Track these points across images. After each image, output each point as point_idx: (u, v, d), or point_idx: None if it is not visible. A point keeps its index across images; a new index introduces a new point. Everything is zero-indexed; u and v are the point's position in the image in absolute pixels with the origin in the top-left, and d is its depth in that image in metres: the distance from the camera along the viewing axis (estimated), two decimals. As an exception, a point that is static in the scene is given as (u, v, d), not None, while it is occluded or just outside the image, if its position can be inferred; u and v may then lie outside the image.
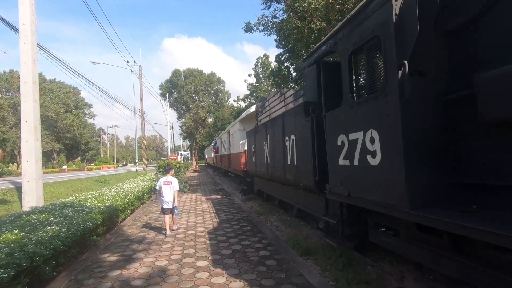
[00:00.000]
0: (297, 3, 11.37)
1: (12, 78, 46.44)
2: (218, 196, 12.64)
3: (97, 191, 9.43)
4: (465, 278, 2.44)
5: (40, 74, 53.64)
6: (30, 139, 8.36)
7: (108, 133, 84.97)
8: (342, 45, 3.55)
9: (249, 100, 46.77)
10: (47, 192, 10.58)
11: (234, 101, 54.34)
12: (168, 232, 6.40)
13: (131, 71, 26.60)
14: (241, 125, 13.76)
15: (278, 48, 19.72)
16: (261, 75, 45.51)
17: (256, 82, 46.31)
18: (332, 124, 3.84)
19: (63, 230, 4.58)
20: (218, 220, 7.79)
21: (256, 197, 11.14)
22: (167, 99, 53.60)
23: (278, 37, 18.28)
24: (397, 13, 2.55)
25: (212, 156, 31.79)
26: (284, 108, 7.05)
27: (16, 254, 3.45)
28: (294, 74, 19.36)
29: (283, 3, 14.37)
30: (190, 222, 7.63)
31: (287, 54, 19.11)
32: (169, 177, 6.69)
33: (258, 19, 15.40)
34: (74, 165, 54.15)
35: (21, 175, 8.85)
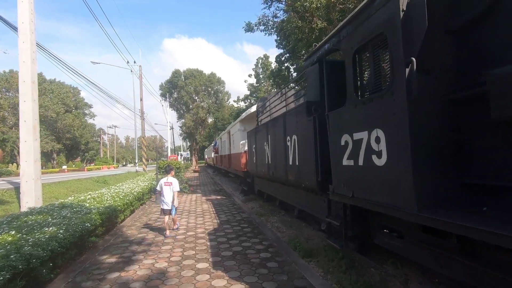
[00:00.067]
0: (298, 3, 11.30)
1: (12, 78, 46.39)
2: (218, 197, 12.56)
3: (97, 192, 9.35)
4: (473, 282, 2.36)
5: (40, 74, 53.59)
6: (29, 139, 8.28)
7: (108, 133, 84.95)
8: (346, 43, 3.48)
9: (249, 101, 46.72)
10: (46, 193, 10.51)
11: (234, 101, 54.34)
12: (168, 233, 6.34)
13: (131, 71, 26.56)
14: (241, 125, 13.68)
15: (278, 48, 19.69)
16: (261, 76, 45.46)
17: (256, 83, 46.26)
18: (336, 123, 3.76)
19: (61, 231, 4.50)
20: (218, 221, 7.71)
21: (256, 198, 11.06)
22: (167, 99, 53.51)
23: (278, 37, 18.23)
24: (404, 9, 2.48)
25: (212, 156, 31.72)
26: (285, 108, 6.97)
27: (12, 256, 3.37)
28: (295, 74, 19.29)
29: (283, 3, 14.31)
30: (190, 223, 7.55)
31: (288, 55, 19.05)
32: (170, 178, 6.66)
33: (259, 19, 15.36)
34: (74, 166, 54.09)
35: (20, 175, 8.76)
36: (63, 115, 53.50)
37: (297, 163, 5.35)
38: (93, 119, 70.86)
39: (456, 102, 2.51)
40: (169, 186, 6.52)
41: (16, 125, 44.09)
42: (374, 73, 3.05)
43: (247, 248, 5.30)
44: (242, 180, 13.33)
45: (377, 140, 2.86)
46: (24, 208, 7.84)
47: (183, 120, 59.45)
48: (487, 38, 2.39)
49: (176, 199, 6.60)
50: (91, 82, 28.89)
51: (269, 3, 14.70)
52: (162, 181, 6.64)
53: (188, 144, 70.80)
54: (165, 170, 7.37)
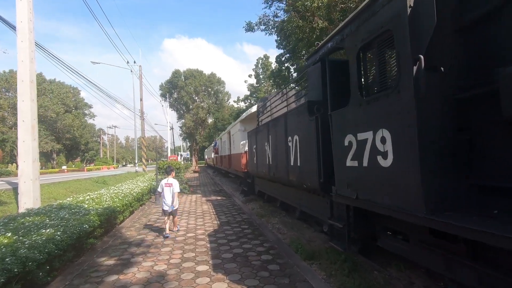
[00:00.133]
0: (299, 2, 11.23)
1: (12, 78, 46.32)
2: (218, 197, 12.48)
3: (96, 192, 9.27)
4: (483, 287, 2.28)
5: (40, 74, 53.54)
6: (27, 139, 8.19)
7: (108, 134, 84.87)
8: (350, 40, 3.40)
9: (249, 101, 46.63)
10: (44, 193, 10.42)
11: (234, 101, 54.25)
12: (167, 231, 6.34)
13: (131, 71, 26.49)
14: (241, 126, 13.60)
15: (278, 48, 19.61)
16: (261, 76, 45.38)
17: (257, 83, 46.17)
18: (339, 123, 3.68)
19: (58, 233, 4.41)
20: (218, 222, 7.63)
21: (257, 199, 10.98)
22: (167, 99, 53.48)
23: (278, 38, 18.16)
24: (412, 5, 2.40)
25: (212, 156, 31.64)
26: (286, 108, 6.89)
27: (7, 259, 3.29)
28: (295, 74, 19.22)
29: (284, 2, 14.24)
30: (190, 224, 7.47)
31: (288, 55, 18.97)
32: (170, 179, 6.68)
33: (260, 18, 15.29)
34: (73, 166, 53.97)
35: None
36: (63, 115, 53.41)
37: (298, 164, 5.27)
38: (93, 119, 70.91)
39: (465, 101, 2.43)
40: (170, 187, 6.53)
41: (15, 125, 44.00)
42: (379, 71, 2.97)
43: (248, 250, 5.22)
44: (242, 180, 13.25)
45: (383, 140, 2.78)
46: (22, 209, 7.75)
47: (183, 121, 59.36)
48: (497, 35, 2.31)
49: (176, 200, 6.57)
50: (91, 82, 28.83)
51: (269, 3, 14.64)
52: (163, 182, 6.66)
53: (188, 144, 70.71)
54: (165, 171, 7.34)
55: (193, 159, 61.08)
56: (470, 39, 2.48)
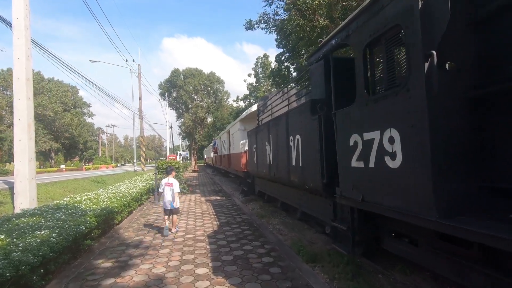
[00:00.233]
0: (300, 0, 11.10)
1: (10, 76, 46.06)
2: (218, 197, 12.35)
3: (93, 192, 9.12)
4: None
5: (38, 73, 53.22)
6: (23, 138, 8.05)
7: (106, 133, 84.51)
8: (356, 37, 3.28)
9: (248, 100, 46.48)
10: (41, 193, 10.27)
11: (234, 101, 54.07)
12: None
13: (130, 69, 26.28)
14: (241, 125, 13.48)
15: (278, 48, 19.50)
16: (260, 75, 45.23)
17: (256, 82, 46.02)
18: (344, 123, 3.56)
19: (53, 235, 4.28)
20: (218, 222, 7.51)
21: (257, 199, 10.86)
22: (166, 98, 53.24)
23: (278, 37, 18.04)
24: None
25: (212, 156, 31.50)
26: (287, 106, 6.77)
27: (-1, 263, 3.16)
28: (295, 74, 19.11)
29: (284, 0, 14.10)
30: (189, 225, 7.34)
31: (288, 54, 18.86)
32: (170, 179, 6.73)
33: (260, 16, 15.15)
34: (72, 165, 53.72)
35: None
36: (61, 114, 53.14)
37: (300, 164, 5.15)
38: (92, 118, 70.52)
39: (479, 99, 2.31)
40: (170, 187, 6.60)
41: (13, 124, 43.77)
42: (387, 69, 2.85)
43: (248, 252, 5.10)
44: (242, 180, 13.13)
45: (391, 140, 2.66)
46: (18, 209, 7.61)
47: (182, 120, 59.12)
48: None
49: (177, 200, 6.61)
50: (89, 81, 28.58)
51: (270, 1, 14.50)
52: (163, 181, 6.72)
53: (187, 143, 70.51)
54: (166, 170, 7.43)
55: (192, 159, 60.90)
56: (484, 34, 2.37)
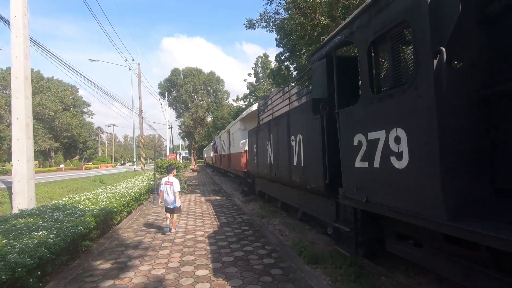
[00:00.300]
0: (301, -2, 11.02)
1: (9, 75, 45.87)
2: (218, 197, 12.28)
3: (92, 192, 9.05)
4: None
5: (38, 72, 53.03)
6: (22, 137, 7.97)
7: (106, 132, 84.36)
8: (360, 34, 3.20)
9: (248, 100, 46.40)
10: (40, 193, 10.19)
11: (234, 100, 53.99)
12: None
13: (130, 69, 26.18)
14: (241, 124, 13.40)
15: (278, 47, 19.44)
16: (260, 75, 45.15)
17: (256, 82, 45.93)
18: (347, 122, 3.49)
19: (51, 236, 4.21)
20: (218, 223, 7.44)
21: (257, 199, 10.80)
22: (166, 98, 53.10)
23: (278, 36, 17.95)
24: None
25: (211, 156, 31.41)
26: (289, 106, 6.69)
27: (-5, 265, 3.09)
28: (295, 73, 19.03)
29: (285, -1, 14.01)
30: (189, 225, 7.27)
31: (288, 53, 18.78)
32: (171, 178, 6.73)
33: (260, 15, 15.07)
34: (71, 164, 53.61)
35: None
36: (60, 113, 52.98)
37: (302, 164, 5.08)
38: (91, 118, 70.32)
39: (490, 98, 2.24)
40: (170, 186, 6.62)
41: (13, 123, 43.64)
42: (393, 66, 2.78)
43: (249, 253, 5.03)
44: (242, 180, 13.06)
45: (397, 140, 2.59)
46: (16, 209, 7.53)
47: (182, 119, 58.98)
48: None
49: (178, 199, 6.64)
50: (89, 80, 28.47)
51: (270, -1, 14.39)
52: (164, 180, 6.74)
53: (187, 143, 70.39)
54: (166, 170, 7.47)
55: (192, 158, 60.78)
56: (496, 31, 2.29)
